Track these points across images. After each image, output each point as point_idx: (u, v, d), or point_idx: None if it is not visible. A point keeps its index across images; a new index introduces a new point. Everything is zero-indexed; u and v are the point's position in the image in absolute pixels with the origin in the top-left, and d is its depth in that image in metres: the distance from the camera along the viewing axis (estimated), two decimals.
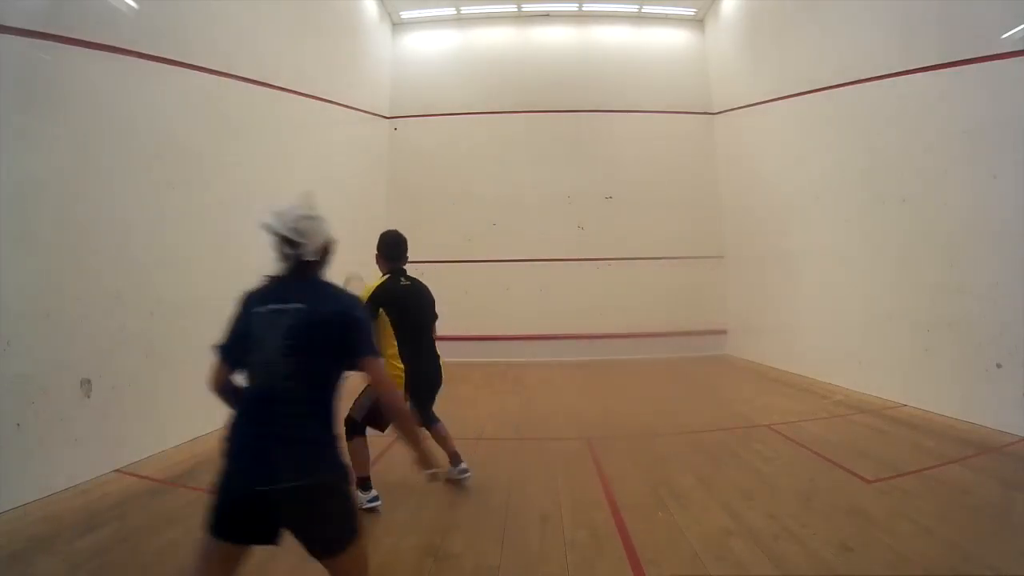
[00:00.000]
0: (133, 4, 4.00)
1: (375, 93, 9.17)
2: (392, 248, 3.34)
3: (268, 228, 1.75)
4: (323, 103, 7.03)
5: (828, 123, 6.38)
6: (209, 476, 3.55)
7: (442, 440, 3.39)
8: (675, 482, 3.36)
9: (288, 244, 1.72)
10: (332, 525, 1.52)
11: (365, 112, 8.63)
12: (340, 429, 1.64)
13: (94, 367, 3.51)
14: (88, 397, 3.45)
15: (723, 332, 9.11)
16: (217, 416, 4.99)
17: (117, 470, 3.58)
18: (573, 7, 9.77)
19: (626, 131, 9.55)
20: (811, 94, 6.60)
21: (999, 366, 4.21)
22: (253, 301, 1.72)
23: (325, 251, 1.74)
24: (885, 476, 3.32)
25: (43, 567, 2.40)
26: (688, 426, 4.68)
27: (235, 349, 1.68)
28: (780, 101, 7.36)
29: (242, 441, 1.56)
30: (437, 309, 3.42)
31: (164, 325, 4.11)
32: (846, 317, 6.06)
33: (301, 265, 1.71)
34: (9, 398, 3.00)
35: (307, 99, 6.55)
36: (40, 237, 3.26)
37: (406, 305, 3.11)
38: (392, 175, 9.54)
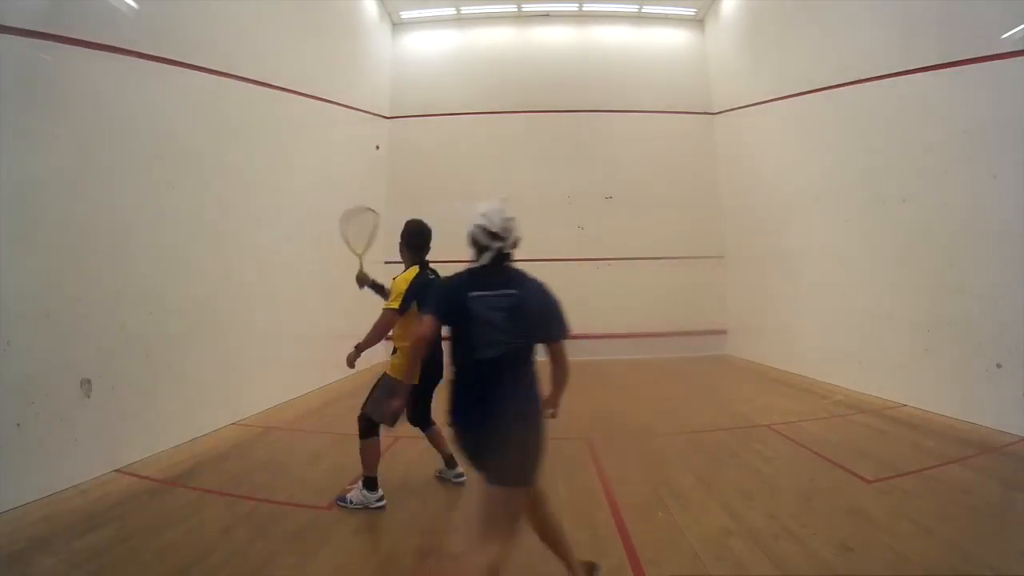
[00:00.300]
0: (133, 4, 4.00)
1: (375, 93, 9.17)
2: (417, 237, 3.40)
3: (480, 224, 2.08)
4: (323, 103, 7.03)
5: (828, 123, 6.38)
6: (209, 475, 3.56)
7: (438, 442, 3.39)
8: (675, 482, 3.36)
9: (494, 239, 2.05)
10: (514, 464, 1.91)
11: (365, 112, 8.62)
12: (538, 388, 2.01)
13: (94, 367, 3.51)
14: (88, 397, 3.45)
15: (723, 332, 9.11)
16: (217, 416, 5.02)
17: (117, 470, 3.58)
18: (573, 7, 9.77)
19: (626, 131, 9.54)
20: (811, 94, 6.60)
21: (999, 366, 4.21)
22: (464, 286, 2.04)
23: (516, 245, 2.09)
24: (885, 476, 3.32)
25: (43, 567, 2.40)
26: (688, 426, 4.68)
27: (447, 316, 2.02)
28: (780, 101, 7.36)
29: (471, 395, 1.97)
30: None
31: (164, 325, 4.11)
32: (846, 317, 6.06)
33: (501, 257, 2.05)
34: (9, 398, 3.00)
35: (307, 99, 6.55)
36: (40, 237, 3.26)
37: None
38: (392, 175, 9.53)
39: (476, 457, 2.01)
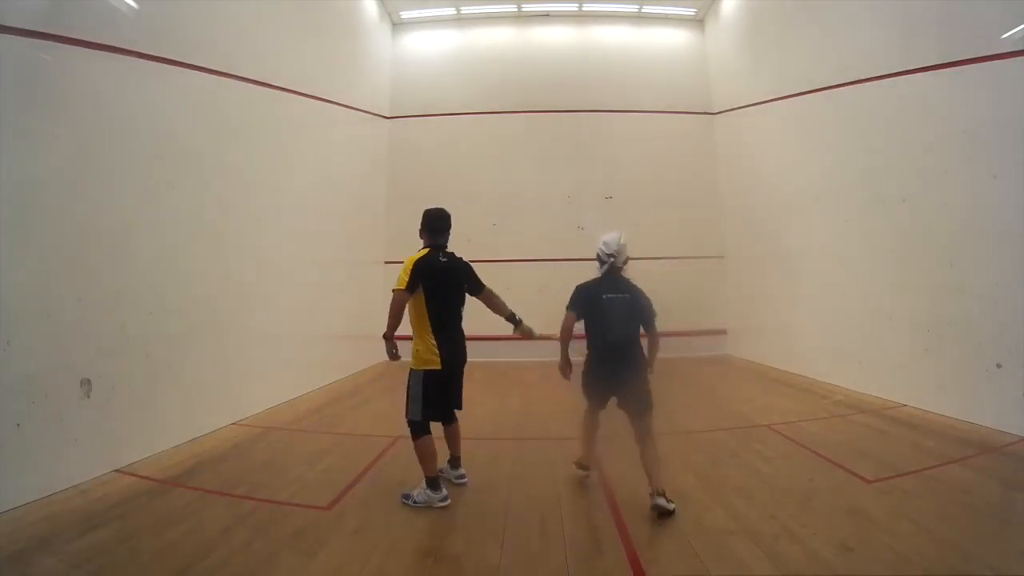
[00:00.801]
0: (133, 4, 4.00)
1: (375, 93, 9.17)
2: (435, 222, 3.44)
3: (604, 249, 3.21)
4: (323, 103, 7.03)
5: (828, 123, 6.38)
6: (209, 475, 3.57)
7: (453, 439, 3.45)
8: (675, 482, 3.35)
9: (612, 257, 3.18)
10: (644, 399, 3.15)
11: (365, 112, 8.63)
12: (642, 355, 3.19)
13: (94, 367, 3.51)
14: (88, 397, 3.45)
15: (723, 332, 9.11)
16: (217, 416, 5.00)
17: (117, 470, 3.58)
18: (573, 7, 9.77)
19: (626, 131, 9.54)
20: (811, 94, 6.60)
21: (999, 366, 4.20)
22: (599, 290, 3.20)
23: (625, 263, 3.21)
24: (885, 476, 3.32)
25: (43, 567, 2.40)
26: (688, 426, 4.68)
27: (586, 312, 3.21)
28: (780, 101, 7.36)
29: (606, 367, 3.17)
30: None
31: (164, 325, 4.11)
32: (846, 317, 6.06)
33: (615, 269, 3.19)
34: (9, 398, 3.00)
35: (307, 99, 6.55)
36: (40, 237, 3.26)
37: (441, 281, 3.21)
38: (392, 175, 9.54)
39: (616, 398, 3.22)
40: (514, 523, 2.82)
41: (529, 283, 9.29)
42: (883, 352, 5.50)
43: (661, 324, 3.01)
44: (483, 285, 3.42)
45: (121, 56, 3.82)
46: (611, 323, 3.09)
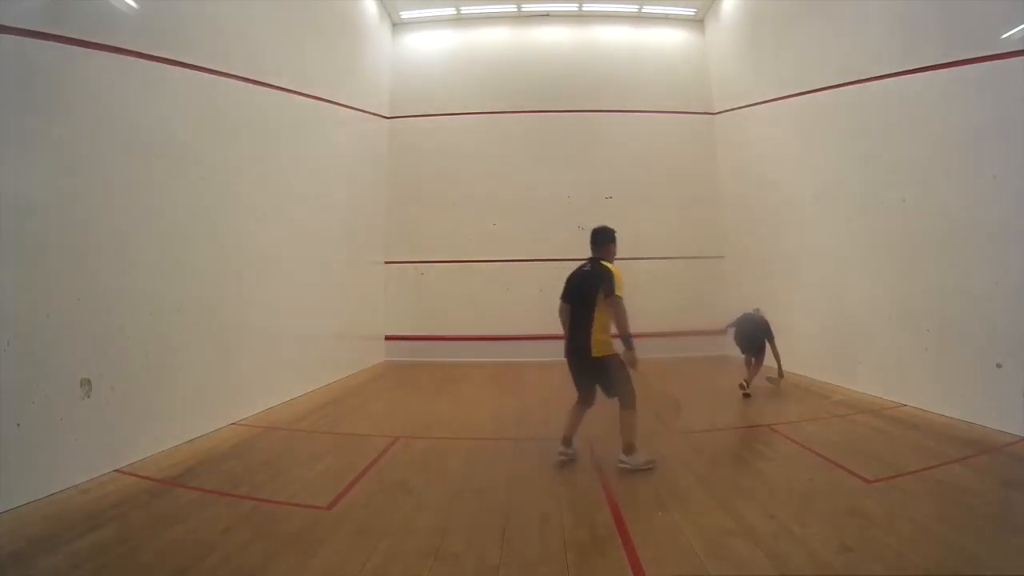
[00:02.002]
0: (133, 4, 4.00)
1: (375, 93, 9.18)
2: (591, 236, 4.13)
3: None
4: (323, 103, 7.04)
5: (828, 123, 6.38)
6: (209, 475, 3.57)
7: (579, 420, 3.89)
8: (675, 482, 3.36)
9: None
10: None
11: (365, 112, 8.63)
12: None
13: (94, 367, 3.52)
14: (88, 397, 3.45)
15: (723, 332, 9.09)
16: (217, 416, 5.02)
17: (117, 470, 3.58)
18: (573, 7, 9.77)
19: (626, 131, 9.54)
20: (811, 94, 6.60)
21: (999, 366, 4.20)
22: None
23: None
24: (885, 476, 3.32)
25: (43, 567, 2.40)
26: (688, 426, 4.68)
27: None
28: (780, 101, 7.36)
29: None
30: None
31: (164, 325, 4.12)
32: (846, 317, 6.06)
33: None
34: (9, 398, 3.00)
35: (307, 99, 6.56)
36: (40, 237, 3.26)
37: (570, 286, 3.91)
38: (392, 175, 9.54)
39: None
40: (514, 523, 2.82)
41: (529, 283, 9.32)
42: (883, 352, 5.50)
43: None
44: (606, 292, 3.64)
45: (121, 56, 3.83)
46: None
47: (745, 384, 5.71)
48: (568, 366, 3.89)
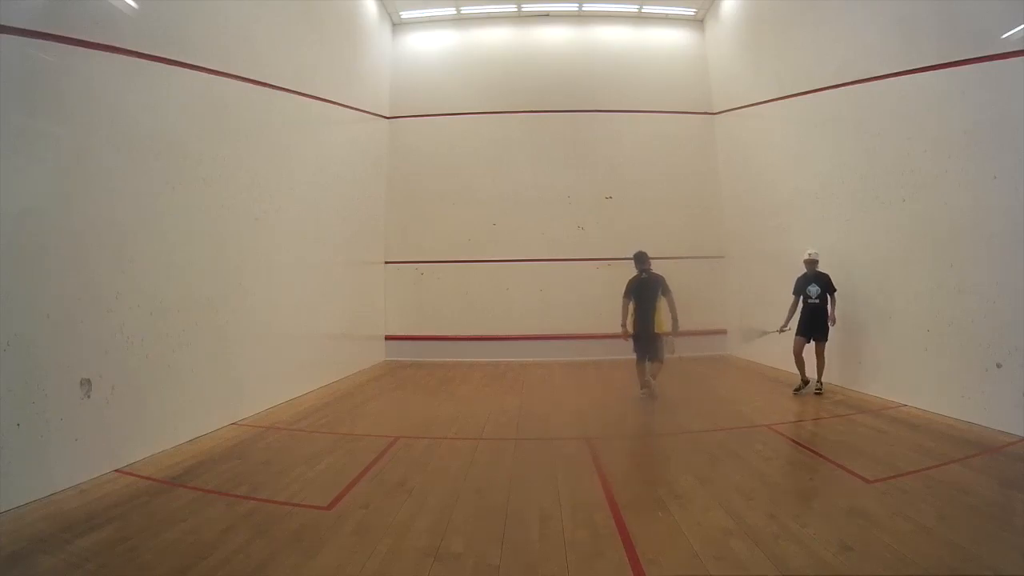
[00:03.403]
0: (133, 4, 4.00)
1: (375, 93, 9.18)
2: (635, 262, 6.05)
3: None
4: (323, 103, 7.03)
5: (828, 123, 6.38)
6: (209, 475, 3.58)
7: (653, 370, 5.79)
8: (675, 482, 3.36)
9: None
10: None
11: (365, 112, 8.63)
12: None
13: (94, 367, 3.51)
14: (88, 397, 3.45)
15: (723, 332, 9.11)
16: (217, 416, 5.02)
17: (117, 470, 3.58)
18: (573, 7, 9.77)
19: (626, 131, 9.54)
20: (811, 94, 6.60)
21: (999, 366, 4.21)
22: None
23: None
24: (885, 476, 3.32)
25: (43, 567, 2.40)
26: (688, 426, 4.68)
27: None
28: (780, 101, 7.36)
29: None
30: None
31: (164, 325, 4.12)
32: (846, 317, 6.05)
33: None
34: (9, 398, 3.00)
35: (307, 99, 6.55)
36: (40, 237, 3.26)
37: (634, 287, 5.86)
38: (392, 175, 9.54)
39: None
40: (514, 523, 2.82)
41: (529, 283, 9.33)
42: (883, 352, 5.50)
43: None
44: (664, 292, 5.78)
45: (121, 56, 3.82)
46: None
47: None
48: (634, 338, 5.79)
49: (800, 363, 5.85)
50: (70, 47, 3.45)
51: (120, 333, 3.74)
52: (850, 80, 5.86)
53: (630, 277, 6.00)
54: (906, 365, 5.20)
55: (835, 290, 5.73)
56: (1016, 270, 4.10)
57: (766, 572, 2.28)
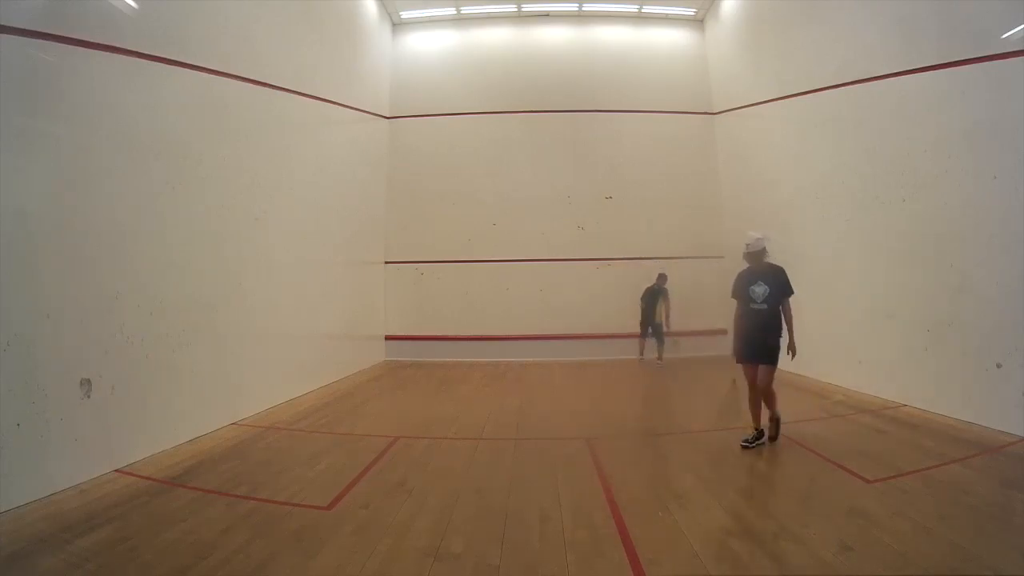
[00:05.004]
0: (133, 4, 4.00)
1: (375, 93, 9.18)
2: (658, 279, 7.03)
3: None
4: (323, 103, 7.04)
5: (828, 123, 6.38)
6: (209, 475, 3.58)
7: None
8: (675, 482, 3.36)
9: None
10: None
11: (365, 112, 8.63)
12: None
13: (94, 367, 3.52)
14: (88, 397, 3.45)
15: (723, 332, 9.10)
16: (216, 416, 5.02)
17: (117, 470, 3.58)
18: (573, 7, 9.77)
19: (626, 131, 9.55)
20: (811, 94, 6.60)
21: (999, 366, 4.20)
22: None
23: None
24: (885, 476, 3.32)
25: (43, 567, 2.40)
26: (688, 426, 4.68)
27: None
28: (780, 101, 7.36)
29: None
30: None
31: (164, 325, 4.11)
32: (846, 317, 6.05)
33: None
34: (9, 398, 3.00)
35: (307, 99, 6.55)
36: (40, 237, 3.26)
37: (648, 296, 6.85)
38: (392, 175, 9.54)
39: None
40: (514, 523, 2.82)
41: (529, 283, 9.34)
42: (883, 352, 5.50)
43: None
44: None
45: (121, 56, 3.82)
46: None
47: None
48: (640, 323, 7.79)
49: (752, 401, 4.14)
50: (70, 47, 3.45)
51: (120, 333, 3.74)
52: (850, 80, 5.86)
53: (646, 286, 8.23)
54: (906, 365, 5.19)
55: (791, 293, 4.11)
56: (1016, 270, 4.10)
57: (766, 572, 2.29)
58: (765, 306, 4.04)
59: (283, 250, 5.94)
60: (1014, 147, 4.09)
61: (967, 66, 4.50)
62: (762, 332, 4.05)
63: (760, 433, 4.01)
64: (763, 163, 8.04)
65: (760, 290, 4.06)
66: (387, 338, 9.29)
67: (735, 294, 4.26)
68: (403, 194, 9.51)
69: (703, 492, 3.19)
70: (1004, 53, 4.19)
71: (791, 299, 4.13)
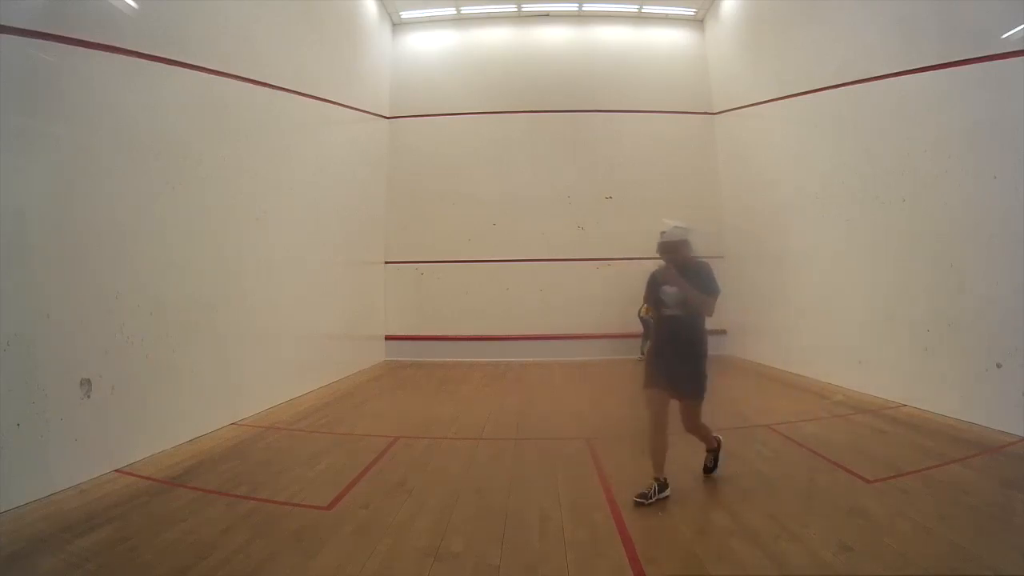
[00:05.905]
0: (133, 4, 4.00)
1: (375, 93, 9.18)
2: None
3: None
4: (323, 103, 7.04)
5: (828, 123, 6.38)
6: (209, 475, 3.58)
7: None
8: (675, 482, 3.36)
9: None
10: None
11: (365, 112, 8.63)
12: None
13: (94, 367, 3.51)
14: (88, 397, 3.45)
15: (723, 332, 9.11)
16: (216, 416, 5.02)
17: (117, 470, 3.58)
18: (573, 7, 9.78)
19: (626, 131, 9.55)
20: (811, 94, 6.60)
21: (999, 366, 4.20)
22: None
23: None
24: (885, 476, 3.32)
25: (43, 567, 2.40)
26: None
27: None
28: (780, 101, 7.36)
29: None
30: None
31: (164, 325, 4.11)
32: (846, 317, 6.06)
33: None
34: (9, 398, 3.00)
35: (307, 99, 6.55)
36: (40, 237, 3.26)
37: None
38: (392, 175, 9.54)
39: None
40: (514, 523, 2.82)
41: (529, 283, 9.34)
42: (883, 352, 5.50)
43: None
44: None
45: (121, 56, 3.82)
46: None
47: None
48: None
49: (657, 443, 3.11)
50: (70, 47, 3.45)
51: (120, 333, 3.74)
52: (850, 80, 5.86)
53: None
54: (906, 365, 5.19)
55: (717, 292, 3.25)
56: (1016, 270, 4.09)
57: (766, 572, 2.28)
58: (679, 312, 3.19)
59: (283, 250, 5.94)
60: (1014, 147, 4.09)
61: (967, 66, 4.50)
62: (677, 345, 3.22)
63: (663, 484, 3.01)
64: (763, 163, 8.04)
65: (672, 295, 3.22)
66: (387, 338, 9.29)
67: (646, 298, 3.50)
68: (403, 194, 9.51)
69: (703, 492, 3.19)
70: (1004, 53, 4.19)
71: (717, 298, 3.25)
